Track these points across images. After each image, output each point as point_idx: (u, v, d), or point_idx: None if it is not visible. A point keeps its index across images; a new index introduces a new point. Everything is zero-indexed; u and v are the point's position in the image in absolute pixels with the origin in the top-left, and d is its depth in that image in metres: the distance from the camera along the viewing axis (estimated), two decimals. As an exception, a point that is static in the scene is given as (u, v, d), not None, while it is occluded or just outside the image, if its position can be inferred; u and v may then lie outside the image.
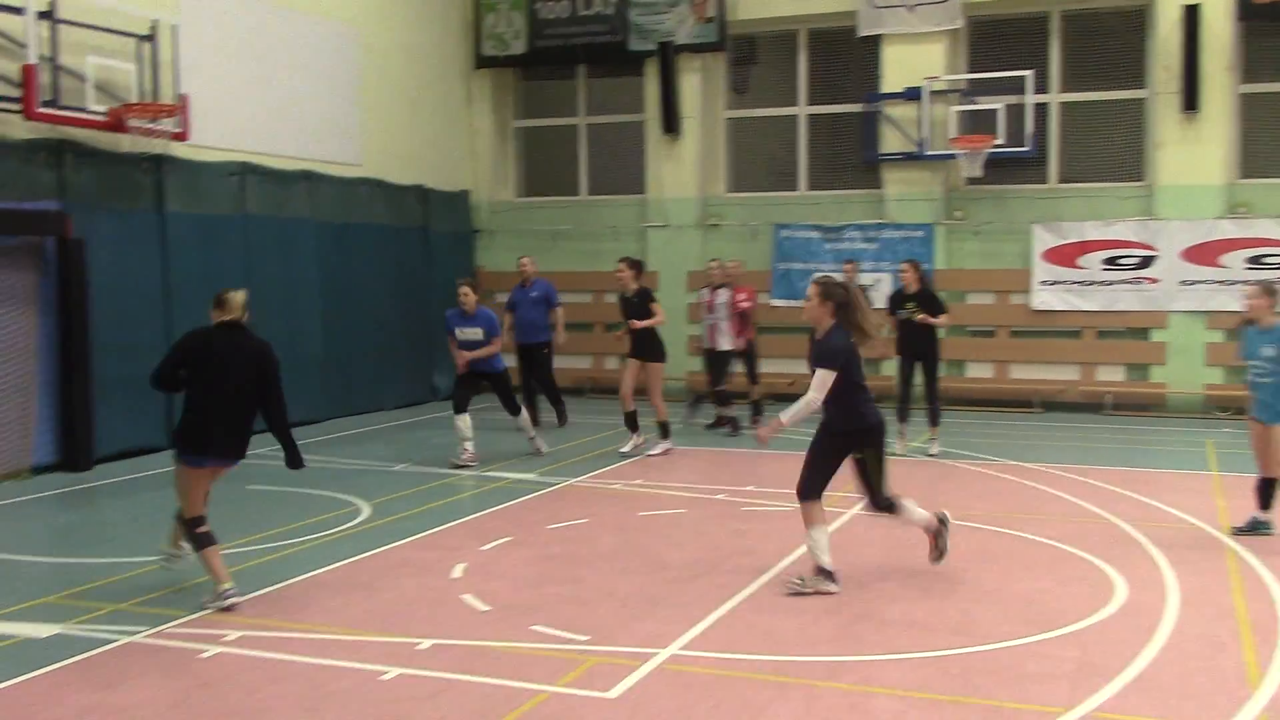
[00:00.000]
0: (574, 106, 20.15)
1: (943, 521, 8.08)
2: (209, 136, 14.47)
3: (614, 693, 5.86)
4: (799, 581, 7.60)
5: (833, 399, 7.56)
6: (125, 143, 13.20)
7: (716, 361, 14.77)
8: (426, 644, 6.60)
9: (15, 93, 11.98)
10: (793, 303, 18.03)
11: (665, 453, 13.05)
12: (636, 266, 13.36)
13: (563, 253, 19.47)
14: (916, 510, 7.99)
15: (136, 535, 9.47)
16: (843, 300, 7.62)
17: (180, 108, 13.41)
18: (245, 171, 15.19)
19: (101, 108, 12.71)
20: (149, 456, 13.12)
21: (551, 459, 12.91)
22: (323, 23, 16.87)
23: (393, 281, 17.99)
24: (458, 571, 8.20)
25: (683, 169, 18.88)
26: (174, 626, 6.96)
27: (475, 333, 12.76)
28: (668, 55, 18.42)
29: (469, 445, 12.51)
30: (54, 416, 12.39)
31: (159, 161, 13.85)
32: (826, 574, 7.59)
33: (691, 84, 18.72)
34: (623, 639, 6.69)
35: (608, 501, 10.56)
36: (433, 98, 19.34)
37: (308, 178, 16.29)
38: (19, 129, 12.22)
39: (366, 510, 10.32)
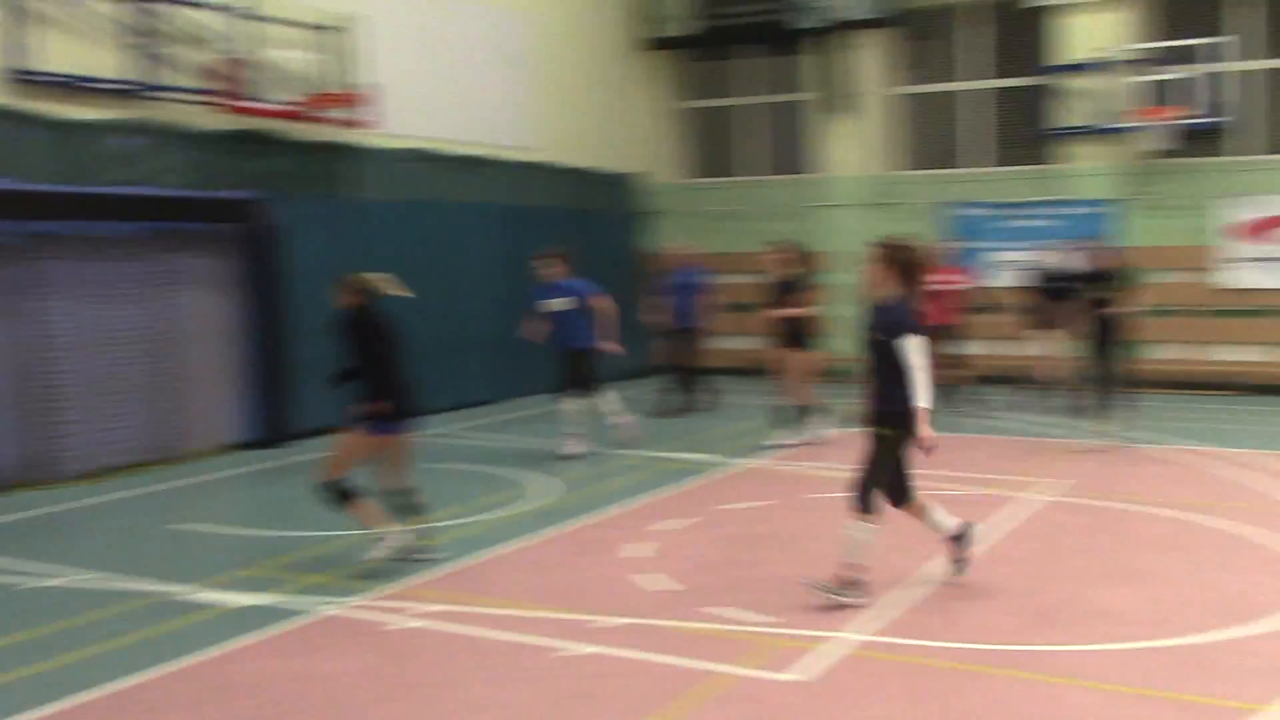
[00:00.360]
0: (744, 86, 20.12)
1: (962, 534, 7.48)
2: (394, 124, 14.95)
3: (797, 676, 5.90)
4: (829, 589, 6.98)
5: (892, 376, 6.91)
6: (317, 132, 13.78)
7: None
8: (609, 622, 6.75)
9: (220, 86, 12.60)
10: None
11: (825, 439, 12.74)
12: (793, 250, 13.02)
13: (732, 233, 19.49)
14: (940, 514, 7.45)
15: (332, 510, 9.89)
16: (909, 263, 7.01)
17: (367, 97, 13.89)
18: (427, 157, 15.66)
19: (295, 99, 13.27)
20: (330, 436, 13.66)
21: (728, 440, 12.98)
22: (499, 10, 17.23)
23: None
24: (639, 551, 8.35)
25: (854, 147, 18.68)
26: (369, 600, 7.28)
27: (563, 303, 12.77)
28: (840, 32, 18.22)
29: (576, 431, 12.28)
30: (254, 395, 13.04)
31: (348, 149, 14.40)
32: (854, 582, 6.98)
33: (863, 60, 18.49)
34: (805, 622, 6.72)
35: (788, 484, 10.58)
36: (604, 81, 19.56)
37: (485, 162, 16.69)
38: (223, 121, 12.86)
39: (543, 489, 10.57)
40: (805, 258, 13.14)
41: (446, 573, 7.91)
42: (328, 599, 7.29)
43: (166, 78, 12.43)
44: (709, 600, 7.16)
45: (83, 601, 7.36)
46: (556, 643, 6.42)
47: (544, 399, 17.01)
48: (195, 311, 12.49)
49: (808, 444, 12.64)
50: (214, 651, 6.41)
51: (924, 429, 6.87)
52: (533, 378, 17.31)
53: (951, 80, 18.67)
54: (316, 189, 14.02)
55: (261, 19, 13.11)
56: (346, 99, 13.60)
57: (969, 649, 6.27)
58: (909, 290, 6.97)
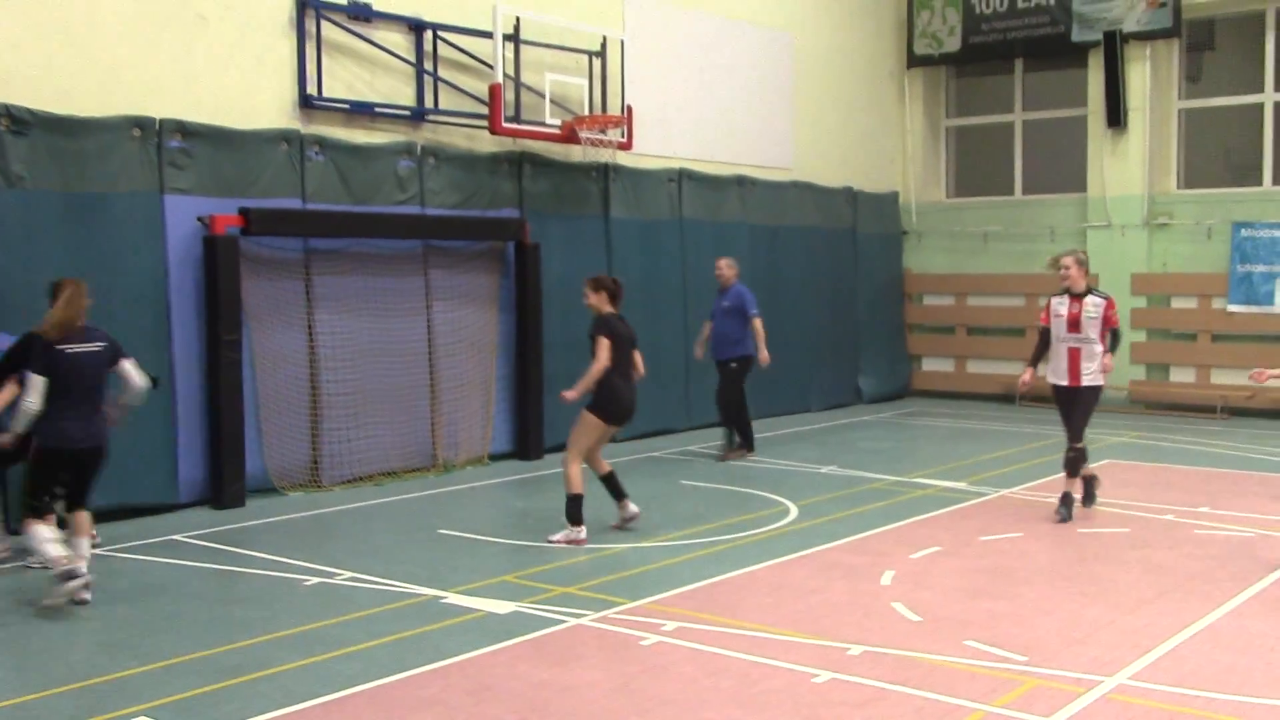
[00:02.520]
0: (1009, 103, 19.46)
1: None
2: (650, 145, 15.16)
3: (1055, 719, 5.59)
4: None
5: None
6: (576, 153, 14.11)
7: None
8: (857, 650, 6.58)
9: (483, 110, 13.08)
10: (1254, 309, 16.58)
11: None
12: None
13: (993, 254, 18.89)
14: None
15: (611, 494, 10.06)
16: None
17: (625, 119, 14.12)
18: (682, 177, 15.80)
19: (556, 121, 13.62)
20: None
21: (981, 468, 12.53)
22: (757, 30, 17.25)
23: (820, 283, 18.11)
24: (887, 578, 8.12)
25: (1128, 164, 17.76)
26: (617, 612, 7.32)
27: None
28: (1114, 44, 17.37)
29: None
30: (509, 408, 13.42)
31: (605, 170, 14.68)
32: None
33: (1140, 73, 17.57)
34: (1064, 662, 6.38)
35: (1043, 515, 10.11)
36: (863, 99, 19.31)
37: (740, 182, 16.71)
38: (486, 143, 13.34)
39: (795, 511, 10.44)
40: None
41: (697, 589, 7.89)
42: (578, 610, 7.38)
43: (442, 102, 13.00)
44: (965, 633, 6.88)
45: (353, 600, 7.70)
46: (808, 669, 6.28)
47: (796, 418, 16.91)
48: (456, 326, 12.95)
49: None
50: (469, 655, 6.57)
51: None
52: (780, 397, 17.22)
53: (1239, 93, 17.55)
54: (573, 208, 14.34)
55: (529, 44, 13.54)
56: (608, 120, 13.87)
57: (1248, 703, 5.80)
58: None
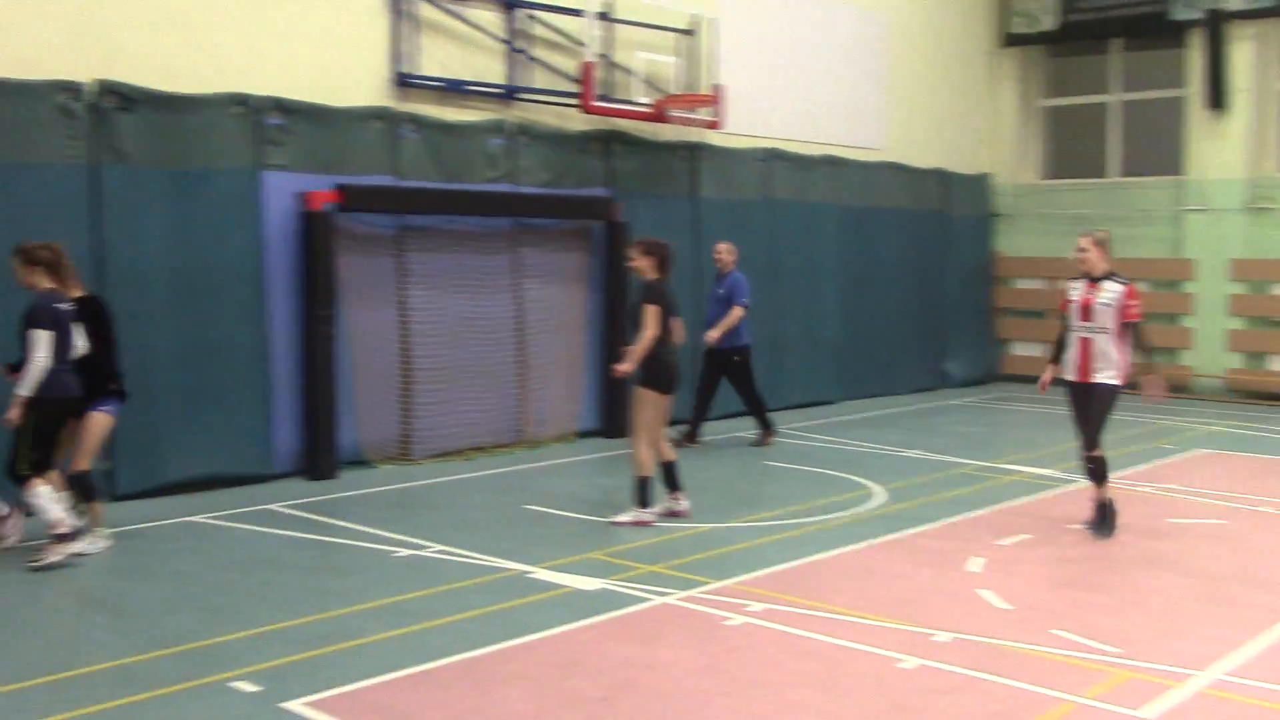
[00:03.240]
0: (1105, 83, 19.06)
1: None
2: (740, 124, 15.10)
3: (1146, 713, 5.52)
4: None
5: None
6: (666, 132, 14.12)
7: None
8: (945, 637, 6.55)
9: (574, 88, 13.13)
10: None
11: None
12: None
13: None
14: None
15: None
16: None
17: (716, 98, 14.08)
18: (772, 157, 15.73)
19: (646, 100, 13.63)
20: (674, 428, 13.95)
21: (1071, 455, 12.34)
22: (849, 8, 17.09)
23: (910, 266, 17.94)
24: (975, 565, 8.06)
25: (1229, 147, 17.32)
26: (703, 592, 7.36)
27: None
28: (1217, 23, 16.94)
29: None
30: (597, 386, 13.50)
31: (694, 149, 14.67)
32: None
33: (1244, 53, 17.11)
34: (1156, 655, 6.29)
35: (1135, 505, 9.95)
36: (956, 79, 19.04)
37: (830, 163, 16.59)
38: (576, 121, 13.40)
39: (881, 494, 10.39)
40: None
41: (783, 571, 7.90)
42: (664, 589, 7.43)
43: (534, 80, 13.07)
44: (1053, 623, 6.81)
45: (442, 573, 7.83)
46: (892, 653, 6.27)
47: (882, 400, 16.80)
48: (546, 304, 13.05)
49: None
50: (556, 630, 6.65)
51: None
52: (867, 381, 17.12)
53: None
54: (662, 187, 14.35)
55: (620, 22, 13.56)
56: (698, 99, 13.84)
57: (1356, 702, 5.68)
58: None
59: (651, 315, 9.13)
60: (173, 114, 10.24)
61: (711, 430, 13.73)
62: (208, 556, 8.25)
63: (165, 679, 5.86)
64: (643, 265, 9.36)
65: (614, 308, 13.42)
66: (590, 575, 7.74)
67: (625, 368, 9.25)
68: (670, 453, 9.49)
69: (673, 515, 9.40)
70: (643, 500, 9.21)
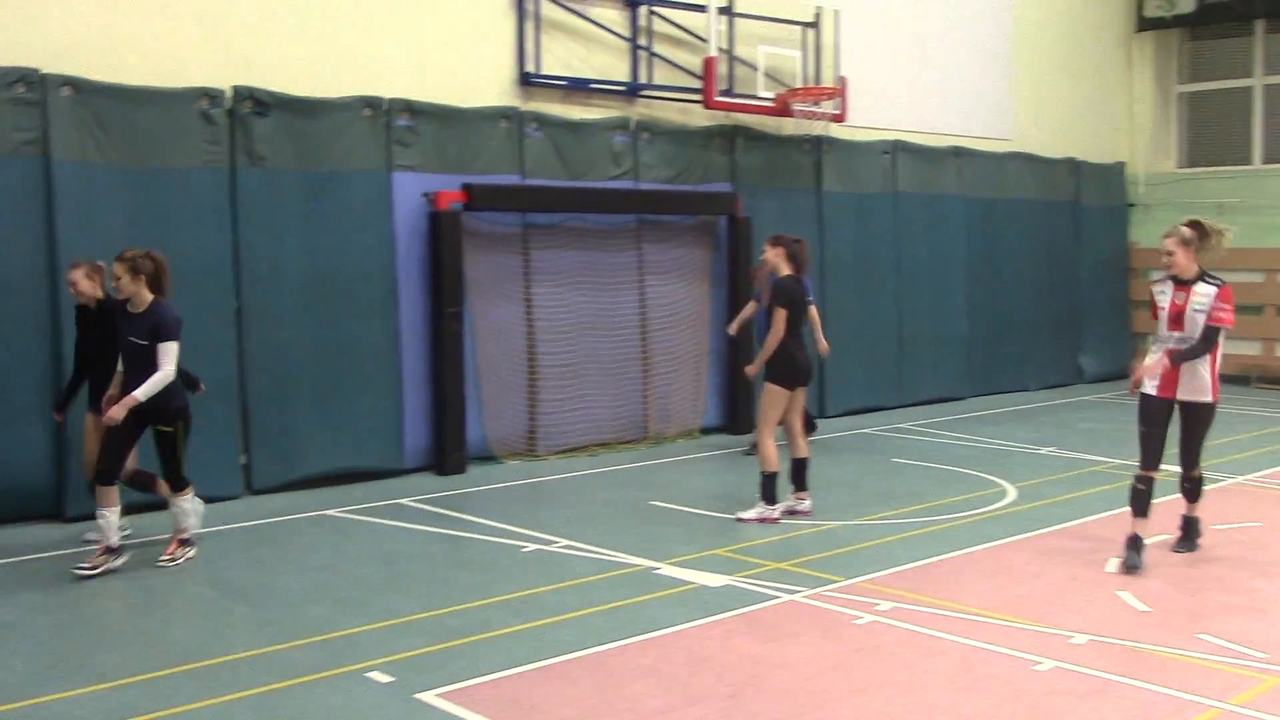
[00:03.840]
0: (1248, 66, 18.36)
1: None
2: (863, 116, 14.92)
3: (1298, 721, 5.31)
4: None
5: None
6: (789, 126, 14.01)
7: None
8: (1081, 639, 6.37)
9: (697, 84, 13.11)
10: None
11: None
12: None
13: (1234, 229, 17.84)
14: None
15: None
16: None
17: (839, 90, 13.93)
18: (896, 149, 15.50)
19: (769, 94, 13.55)
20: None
21: (1213, 453, 11.92)
22: (978, -4, 16.76)
23: (1040, 258, 17.52)
24: (1112, 565, 7.83)
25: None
26: (830, 590, 7.29)
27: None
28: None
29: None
30: (721, 382, 13.47)
31: (818, 142, 14.53)
32: None
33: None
34: (1309, 661, 6.04)
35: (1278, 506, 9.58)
36: (1088, 66, 18.53)
37: (957, 154, 16.29)
38: (699, 117, 13.38)
39: (1012, 492, 10.17)
40: None
41: (912, 569, 7.78)
42: (791, 586, 7.37)
43: (656, 77, 13.09)
44: (1195, 626, 6.58)
45: (569, 568, 7.89)
46: (1028, 655, 6.13)
47: (1012, 397, 16.44)
48: (670, 300, 13.05)
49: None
50: (684, 626, 6.65)
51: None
52: (995, 376, 16.78)
53: None
54: (785, 181, 14.24)
55: (743, 16, 13.49)
56: (821, 92, 13.71)
57: None
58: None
59: (780, 317, 9.06)
60: (306, 117, 10.50)
61: (837, 427, 13.61)
62: (341, 549, 8.44)
63: (304, 668, 6.01)
64: (771, 258, 9.29)
65: (738, 303, 13.36)
66: (716, 571, 7.72)
67: (753, 369, 9.28)
68: (803, 450, 9.42)
69: (793, 514, 9.31)
70: (768, 497, 9.15)
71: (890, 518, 9.27)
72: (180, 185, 9.85)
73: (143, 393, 7.60)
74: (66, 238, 9.25)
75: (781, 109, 13.56)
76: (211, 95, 10.01)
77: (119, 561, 7.83)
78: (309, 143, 10.53)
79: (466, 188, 11.26)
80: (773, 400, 9.13)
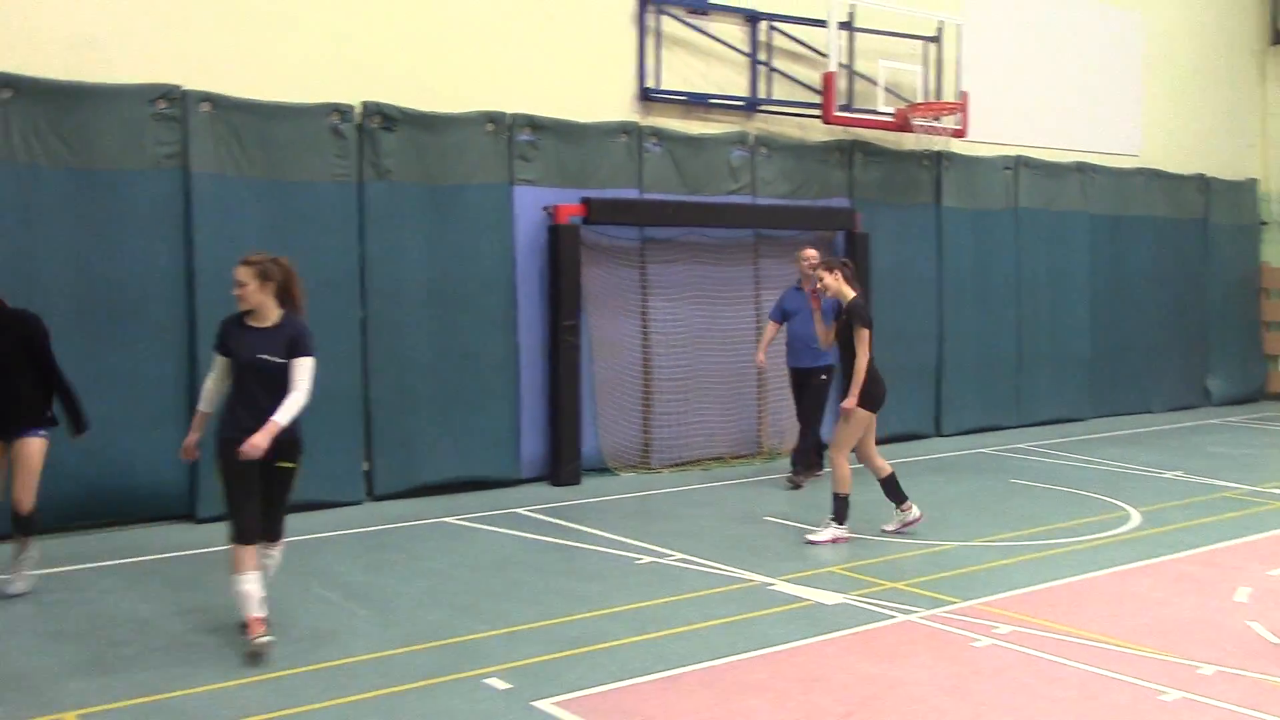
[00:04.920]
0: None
1: None
2: (985, 132, 14.73)
3: None
4: None
5: None
6: (908, 141, 13.90)
7: None
8: (1209, 669, 6.19)
9: (816, 99, 13.07)
10: None
11: None
12: None
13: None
14: None
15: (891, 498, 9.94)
16: None
17: (961, 105, 13.78)
18: (1018, 165, 15.26)
19: (889, 109, 13.46)
20: (914, 443, 13.75)
21: (1350, 480, 11.50)
22: (1102, 8, 16.44)
23: (1167, 277, 17.09)
24: (1242, 595, 7.60)
25: None
26: (947, 611, 7.20)
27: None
28: None
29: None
30: (836, 398, 13.22)
31: (938, 158, 14.38)
32: None
33: None
34: None
35: None
36: (1220, 80, 18.04)
37: (1080, 169, 15.98)
38: (817, 132, 13.35)
39: (1136, 517, 9.92)
40: None
41: (1032, 593, 7.64)
42: (907, 606, 7.30)
43: (775, 92, 13.09)
44: (1335, 660, 6.36)
45: (683, 581, 7.91)
46: (1153, 685, 5.97)
47: (1136, 419, 16.04)
48: (786, 315, 13.01)
49: None
50: (798, 643, 6.62)
51: None
52: (1118, 397, 16.39)
53: None
54: (903, 197, 14.13)
55: (863, 31, 13.43)
56: (942, 107, 13.57)
57: None
58: None
59: (864, 341, 8.88)
60: (431, 132, 10.73)
61: (953, 446, 13.43)
62: (459, 556, 8.59)
63: (422, 672, 6.13)
64: (833, 282, 9.02)
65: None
66: (831, 589, 7.68)
67: (852, 403, 8.91)
68: (886, 467, 9.26)
69: (907, 525, 9.22)
70: (840, 517, 9.01)
71: (1008, 539, 9.12)
72: (310, 197, 10.14)
73: (285, 417, 6.33)
74: (203, 247, 9.58)
75: (901, 124, 13.45)
76: (341, 110, 10.29)
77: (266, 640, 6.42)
78: (433, 157, 10.76)
79: (586, 202, 11.39)
80: (858, 423, 8.99)
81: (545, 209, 11.34)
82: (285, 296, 6.64)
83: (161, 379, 9.54)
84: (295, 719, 5.53)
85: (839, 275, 9.07)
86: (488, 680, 6.00)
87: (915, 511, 9.25)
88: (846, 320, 9.03)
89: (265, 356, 6.47)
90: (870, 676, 6.12)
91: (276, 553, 6.85)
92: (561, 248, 11.26)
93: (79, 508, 9.21)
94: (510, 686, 5.92)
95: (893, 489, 9.26)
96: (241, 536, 6.39)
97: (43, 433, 7.54)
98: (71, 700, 5.74)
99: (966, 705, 5.74)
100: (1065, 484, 11.40)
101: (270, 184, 9.98)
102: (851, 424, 8.99)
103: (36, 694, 5.82)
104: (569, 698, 5.76)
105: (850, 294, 9.07)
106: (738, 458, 12.52)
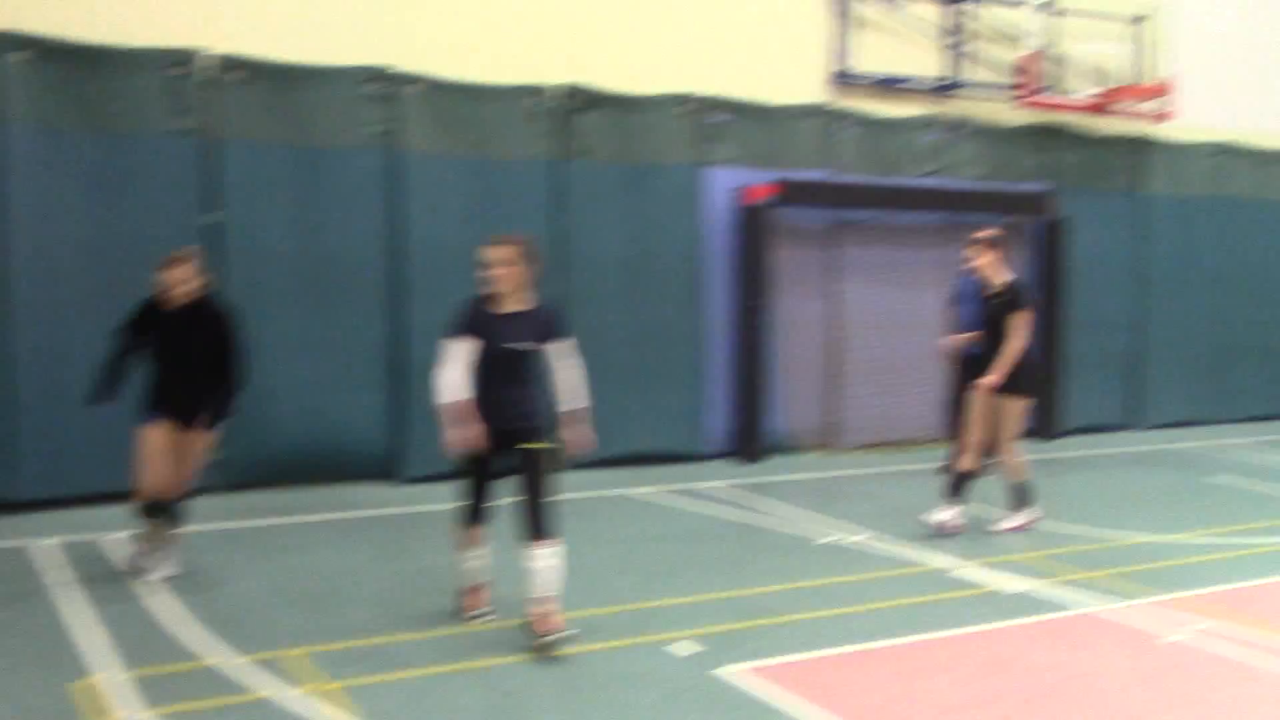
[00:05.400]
0: None
1: None
2: (1190, 116, 14.21)
3: None
4: None
5: None
6: (1108, 125, 13.54)
7: None
8: None
9: (1013, 81, 12.85)
10: None
11: None
12: None
13: None
14: None
15: (1097, 508, 9.78)
16: None
17: (1166, 89, 13.34)
18: (1224, 152, 14.68)
19: (1089, 92, 13.13)
20: (1108, 435, 13.45)
21: None
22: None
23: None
24: None
25: None
26: (1134, 605, 7.08)
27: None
28: None
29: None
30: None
31: (1138, 143, 13.96)
32: None
33: None
34: None
35: None
36: None
37: (1297, 156, 15.28)
38: (1014, 115, 13.11)
39: (1342, 519, 9.54)
40: None
41: (1225, 591, 7.45)
42: (1093, 597, 7.22)
43: (971, 74, 12.93)
44: None
45: (866, 560, 8.00)
46: (1354, 689, 5.81)
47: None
48: (976, 300, 12.87)
49: None
50: (980, 628, 6.63)
51: None
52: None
53: None
54: (1102, 183, 13.76)
55: (1064, 13, 13.12)
56: (1147, 91, 13.17)
57: None
58: None
59: (1023, 323, 8.47)
60: (626, 113, 11.00)
61: (1152, 440, 13.08)
62: (645, 527, 8.84)
63: (609, 634, 6.38)
64: (988, 262, 8.56)
65: (1051, 306, 13.04)
66: (1015, 575, 7.64)
67: (995, 380, 8.43)
68: (981, 463, 8.80)
69: (945, 527, 8.67)
70: (1022, 503, 8.89)
71: (1205, 536, 8.89)
72: (511, 175, 10.53)
73: (585, 399, 6.37)
74: (411, 222, 10.06)
75: (1102, 108, 13.11)
76: (542, 91, 10.64)
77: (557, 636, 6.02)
78: (628, 137, 11.02)
79: (777, 183, 11.48)
80: (1020, 413, 8.72)
81: (737, 189, 11.48)
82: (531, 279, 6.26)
83: (370, 346, 10.07)
84: (488, 670, 5.83)
85: (994, 256, 8.58)
86: (673, 645, 6.20)
87: (959, 520, 8.71)
88: (1002, 302, 8.57)
89: (521, 344, 6.13)
90: (1054, 664, 6.10)
91: (546, 553, 6.05)
92: (752, 228, 11.39)
93: (290, 465, 9.82)
94: (695, 652, 6.10)
95: (961, 485, 8.77)
96: (469, 517, 6.29)
97: (218, 427, 7.30)
98: (290, 639, 6.19)
99: (1158, 699, 5.68)
100: (1271, 481, 11.00)
101: (474, 162, 10.39)
102: (1016, 416, 8.68)
103: (262, 631, 6.30)
104: (753, 665, 5.92)
105: (1006, 275, 8.66)
106: (924, 441, 12.46)
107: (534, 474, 6.12)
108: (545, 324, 6.24)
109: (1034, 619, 6.83)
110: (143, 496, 7.11)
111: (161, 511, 7.14)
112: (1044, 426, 13.00)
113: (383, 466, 10.17)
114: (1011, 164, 13.12)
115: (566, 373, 6.26)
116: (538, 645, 5.96)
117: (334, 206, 9.95)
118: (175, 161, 9.41)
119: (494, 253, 6.13)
